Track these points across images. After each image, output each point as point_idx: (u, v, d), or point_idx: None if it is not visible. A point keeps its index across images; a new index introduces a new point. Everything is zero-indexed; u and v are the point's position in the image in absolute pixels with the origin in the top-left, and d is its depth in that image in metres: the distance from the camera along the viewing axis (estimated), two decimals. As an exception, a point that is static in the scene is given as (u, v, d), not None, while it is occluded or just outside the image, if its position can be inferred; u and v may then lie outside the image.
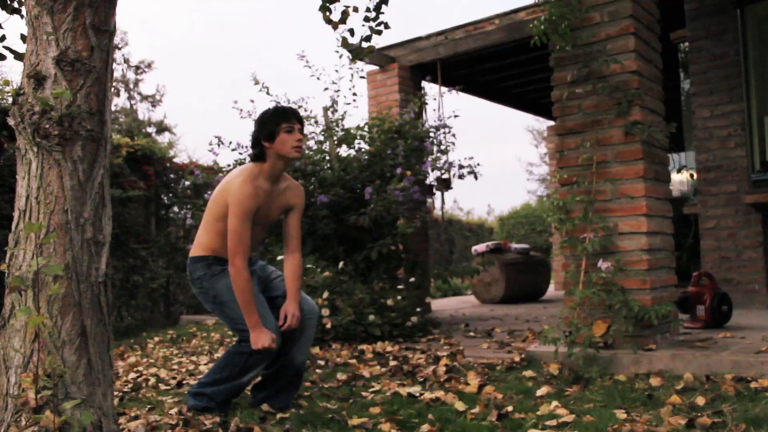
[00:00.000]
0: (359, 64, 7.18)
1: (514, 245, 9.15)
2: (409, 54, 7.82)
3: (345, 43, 4.13)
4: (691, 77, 6.17)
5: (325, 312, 4.83)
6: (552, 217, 3.96)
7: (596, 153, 3.90)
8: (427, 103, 7.14)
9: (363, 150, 6.35)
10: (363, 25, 4.00)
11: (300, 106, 6.44)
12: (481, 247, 8.91)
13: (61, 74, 2.41)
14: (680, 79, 6.86)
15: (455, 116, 6.74)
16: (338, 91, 6.46)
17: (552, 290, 9.55)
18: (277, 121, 3.13)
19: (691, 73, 6.15)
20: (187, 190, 9.30)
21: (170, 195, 9.21)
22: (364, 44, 4.25)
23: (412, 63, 7.80)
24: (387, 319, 5.05)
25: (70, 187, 2.37)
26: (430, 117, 7.42)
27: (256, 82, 6.49)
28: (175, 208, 9.36)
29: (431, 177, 5.96)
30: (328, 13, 4.13)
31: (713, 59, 6.04)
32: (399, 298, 5.25)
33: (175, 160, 9.50)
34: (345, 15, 4.16)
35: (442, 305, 8.82)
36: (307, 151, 6.23)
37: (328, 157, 6.19)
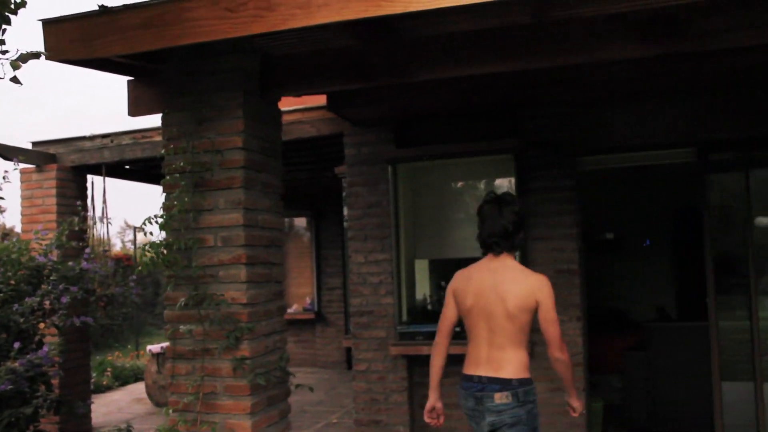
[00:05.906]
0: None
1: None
2: (71, 153, 7.14)
3: None
4: (348, 221, 6.29)
5: None
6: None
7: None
8: (88, 227, 6.53)
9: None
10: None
11: None
12: (155, 348, 8.44)
13: None
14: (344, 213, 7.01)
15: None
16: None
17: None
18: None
19: (349, 217, 6.27)
20: None
21: None
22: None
23: (74, 163, 7.12)
24: None
25: None
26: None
27: None
28: None
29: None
30: None
31: (369, 206, 6.20)
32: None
33: None
34: None
35: (107, 410, 8.22)
36: None
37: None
